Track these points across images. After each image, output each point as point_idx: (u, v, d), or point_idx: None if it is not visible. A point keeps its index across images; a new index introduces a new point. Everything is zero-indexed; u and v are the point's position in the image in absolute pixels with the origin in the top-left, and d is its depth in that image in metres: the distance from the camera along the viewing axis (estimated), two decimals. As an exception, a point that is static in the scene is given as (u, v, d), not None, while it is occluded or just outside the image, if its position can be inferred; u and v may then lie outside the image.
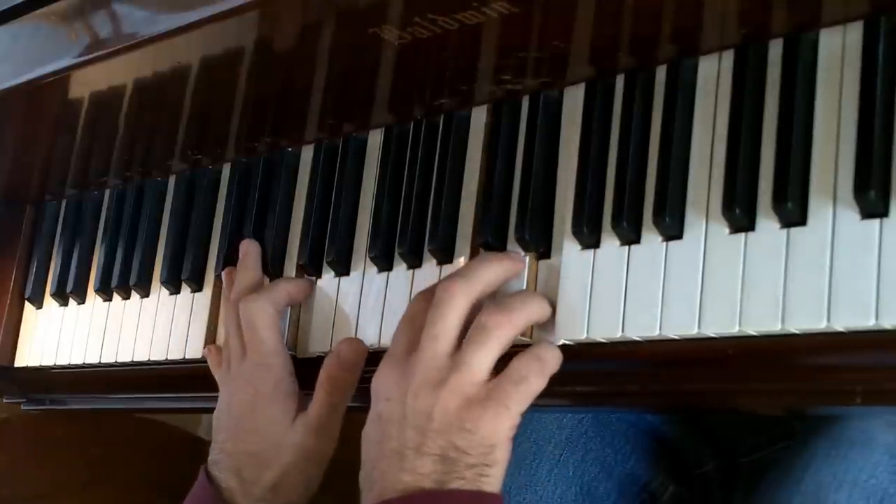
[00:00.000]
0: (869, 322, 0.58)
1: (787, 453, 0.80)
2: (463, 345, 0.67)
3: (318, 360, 0.81)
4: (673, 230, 0.66)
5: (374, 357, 0.78)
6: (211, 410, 0.86)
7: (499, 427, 0.65)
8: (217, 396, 0.96)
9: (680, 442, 0.91)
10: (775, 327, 0.61)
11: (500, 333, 0.66)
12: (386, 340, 0.78)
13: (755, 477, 0.83)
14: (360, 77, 0.79)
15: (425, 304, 0.70)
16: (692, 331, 0.64)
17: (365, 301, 0.82)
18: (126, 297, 0.99)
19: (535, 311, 0.69)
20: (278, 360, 0.81)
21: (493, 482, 0.65)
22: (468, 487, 0.65)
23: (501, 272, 0.70)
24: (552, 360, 0.67)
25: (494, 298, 0.70)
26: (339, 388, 0.78)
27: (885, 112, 0.60)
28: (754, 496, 0.81)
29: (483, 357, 0.66)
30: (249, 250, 0.87)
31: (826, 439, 0.77)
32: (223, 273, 0.89)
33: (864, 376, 0.61)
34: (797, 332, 0.61)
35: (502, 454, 0.66)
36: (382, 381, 0.69)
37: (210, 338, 0.91)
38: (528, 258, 0.72)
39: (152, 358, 0.94)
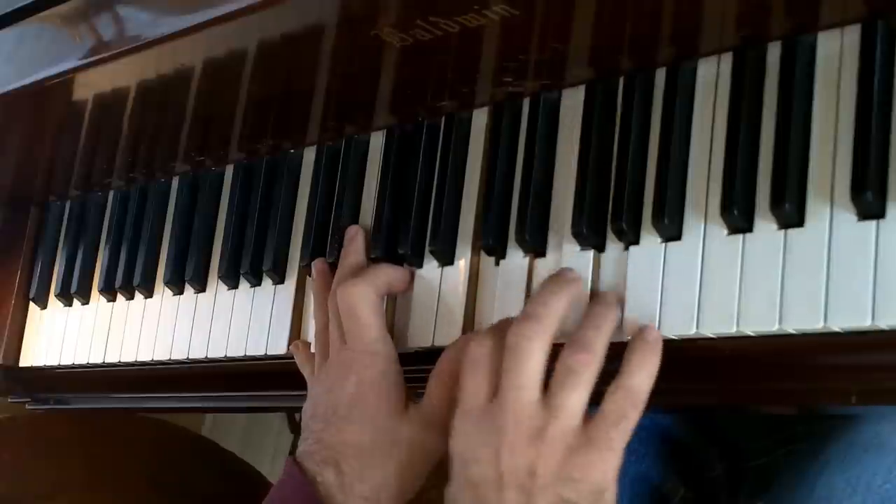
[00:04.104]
0: (865, 322, 0.58)
1: (797, 458, 0.79)
2: (553, 389, 0.63)
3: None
4: (672, 231, 0.67)
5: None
6: (213, 410, 0.85)
7: (607, 470, 0.63)
8: (219, 396, 0.97)
9: (691, 444, 0.91)
10: (772, 328, 0.61)
11: (589, 373, 0.63)
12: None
13: (764, 481, 0.83)
14: (361, 79, 0.79)
15: (487, 349, 0.66)
16: (690, 331, 0.64)
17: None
18: (130, 297, 1.00)
19: (610, 331, 0.65)
20: (384, 348, 0.75)
21: None
22: None
23: (569, 300, 0.67)
24: (646, 388, 0.63)
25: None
26: (455, 382, 0.71)
27: (881, 114, 0.60)
28: (766, 502, 0.81)
29: (577, 400, 0.63)
30: (355, 236, 0.82)
31: (838, 444, 0.77)
32: (313, 263, 0.84)
33: (859, 376, 0.61)
34: (794, 332, 0.61)
35: (611, 497, 0.63)
36: (464, 442, 0.65)
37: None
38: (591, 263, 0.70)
39: (156, 358, 0.95)
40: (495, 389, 0.65)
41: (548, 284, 0.68)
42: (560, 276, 0.68)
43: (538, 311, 0.65)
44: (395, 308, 0.80)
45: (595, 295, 0.69)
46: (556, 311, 0.66)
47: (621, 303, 0.67)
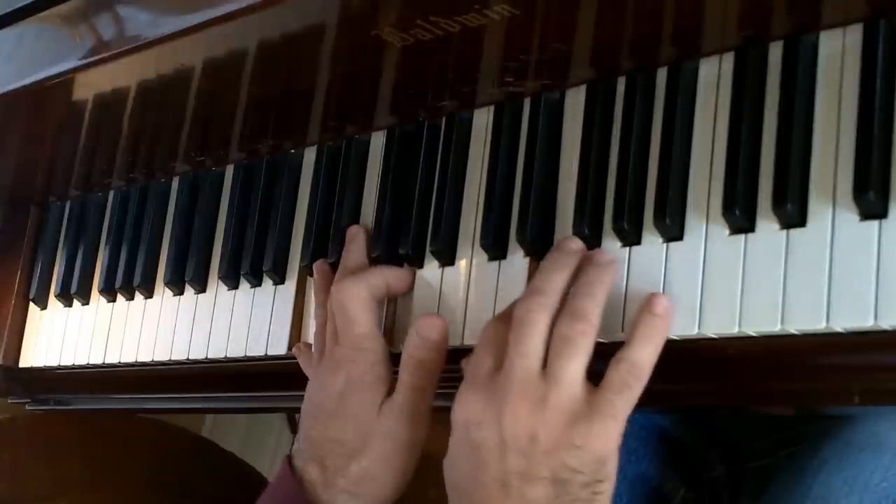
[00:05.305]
0: (867, 323, 0.58)
1: (796, 458, 0.79)
2: (551, 360, 0.64)
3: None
4: (673, 231, 0.67)
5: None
6: (213, 411, 0.85)
7: (609, 439, 0.63)
8: (219, 397, 0.97)
9: (691, 445, 0.91)
10: (775, 328, 0.61)
11: (586, 341, 0.64)
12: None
13: (765, 482, 0.83)
14: (362, 79, 0.79)
15: (503, 327, 0.67)
16: (692, 331, 0.64)
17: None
18: (130, 297, 1.00)
19: (604, 297, 0.66)
20: (372, 344, 0.76)
21: (605, 499, 0.63)
22: None
23: (570, 273, 0.67)
24: (650, 361, 0.64)
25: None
26: (424, 369, 0.73)
27: (884, 114, 0.60)
28: (764, 502, 0.80)
29: (576, 368, 0.63)
30: (356, 236, 0.82)
31: (836, 443, 0.77)
32: (314, 265, 0.84)
33: (862, 376, 0.61)
34: (796, 332, 0.61)
35: (612, 467, 0.64)
36: (468, 407, 0.66)
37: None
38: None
39: (156, 358, 0.95)
40: (500, 363, 0.65)
41: (550, 259, 0.69)
42: (561, 250, 0.69)
43: (541, 287, 0.66)
44: (397, 309, 0.80)
45: (588, 257, 0.69)
46: (558, 286, 0.66)
47: (613, 265, 0.67)
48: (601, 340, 0.66)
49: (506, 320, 0.67)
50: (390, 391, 0.75)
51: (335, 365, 0.76)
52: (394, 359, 0.77)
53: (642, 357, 0.63)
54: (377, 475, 0.74)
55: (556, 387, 0.63)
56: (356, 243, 0.82)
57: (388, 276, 0.78)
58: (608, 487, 0.63)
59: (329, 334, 0.78)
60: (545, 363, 0.64)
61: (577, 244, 0.69)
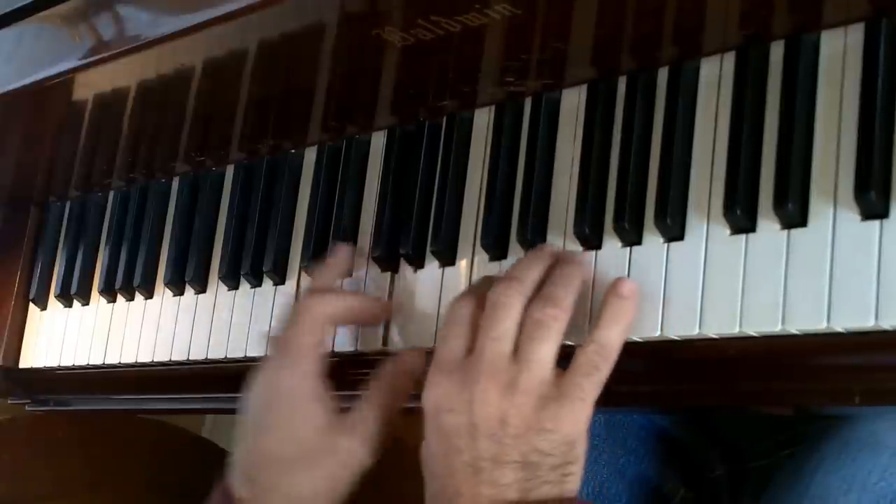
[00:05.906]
0: (868, 323, 0.58)
1: (795, 458, 0.79)
2: (522, 343, 0.64)
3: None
4: (674, 231, 0.67)
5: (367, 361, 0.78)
6: (213, 411, 0.85)
7: (578, 421, 0.63)
8: (219, 397, 0.96)
9: (691, 445, 0.91)
10: (775, 328, 0.61)
11: (558, 325, 0.65)
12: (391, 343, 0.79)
13: (765, 482, 0.83)
14: (362, 79, 0.79)
15: (468, 309, 0.67)
16: (693, 331, 0.64)
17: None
18: (130, 298, 0.99)
19: (577, 288, 0.67)
20: (305, 361, 0.74)
21: (575, 480, 0.64)
22: (554, 491, 0.63)
23: (543, 268, 0.68)
24: (617, 342, 0.65)
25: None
26: (396, 394, 0.74)
27: (885, 113, 0.60)
28: (763, 502, 0.81)
29: (546, 351, 0.64)
30: (335, 254, 0.82)
31: (834, 443, 0.77)
32: (314, 268, 0.84)
33: (862, 376, 0.61)
34: (797, 332, 0.61)
35: (581, 449, 0.64)
36: (439, 392, 0.65)
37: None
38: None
39: (156, 359, 0.95)
40: (471, 347, 0.66)
41: (528, 255, 0.70)
42: (539, 250, 0.70)
43: (517, 275, 0.67)
44: (397, 309, 0.80)
45: (563, 255, 0.69)
46: (533, 275, 0.67)
47: (587, 264, 0.69)
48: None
49: (475, 301, 0.67)
50: (331, 409, 0.73)
51: (267, 376, 0.75)
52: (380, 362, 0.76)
53: (610, 338, 0.64)
54: (317, 492, 0.73)
55: (527, 370, 0.64)
56: (334, 268, 0.81)
57: (355, 303, 0.78)
58: (577, 469, 0.64)
59: (279, 344, 0.76)
60: (517, 348, 0.65)
61: (552, 249, 0.71)
